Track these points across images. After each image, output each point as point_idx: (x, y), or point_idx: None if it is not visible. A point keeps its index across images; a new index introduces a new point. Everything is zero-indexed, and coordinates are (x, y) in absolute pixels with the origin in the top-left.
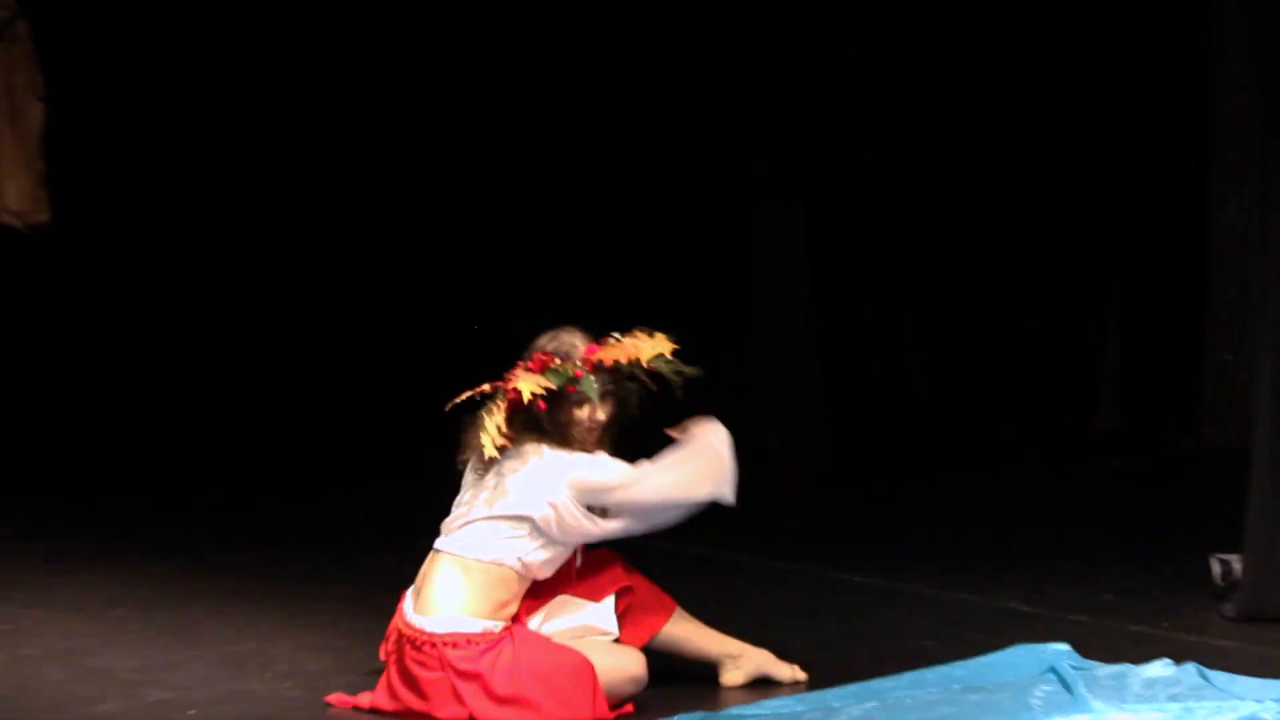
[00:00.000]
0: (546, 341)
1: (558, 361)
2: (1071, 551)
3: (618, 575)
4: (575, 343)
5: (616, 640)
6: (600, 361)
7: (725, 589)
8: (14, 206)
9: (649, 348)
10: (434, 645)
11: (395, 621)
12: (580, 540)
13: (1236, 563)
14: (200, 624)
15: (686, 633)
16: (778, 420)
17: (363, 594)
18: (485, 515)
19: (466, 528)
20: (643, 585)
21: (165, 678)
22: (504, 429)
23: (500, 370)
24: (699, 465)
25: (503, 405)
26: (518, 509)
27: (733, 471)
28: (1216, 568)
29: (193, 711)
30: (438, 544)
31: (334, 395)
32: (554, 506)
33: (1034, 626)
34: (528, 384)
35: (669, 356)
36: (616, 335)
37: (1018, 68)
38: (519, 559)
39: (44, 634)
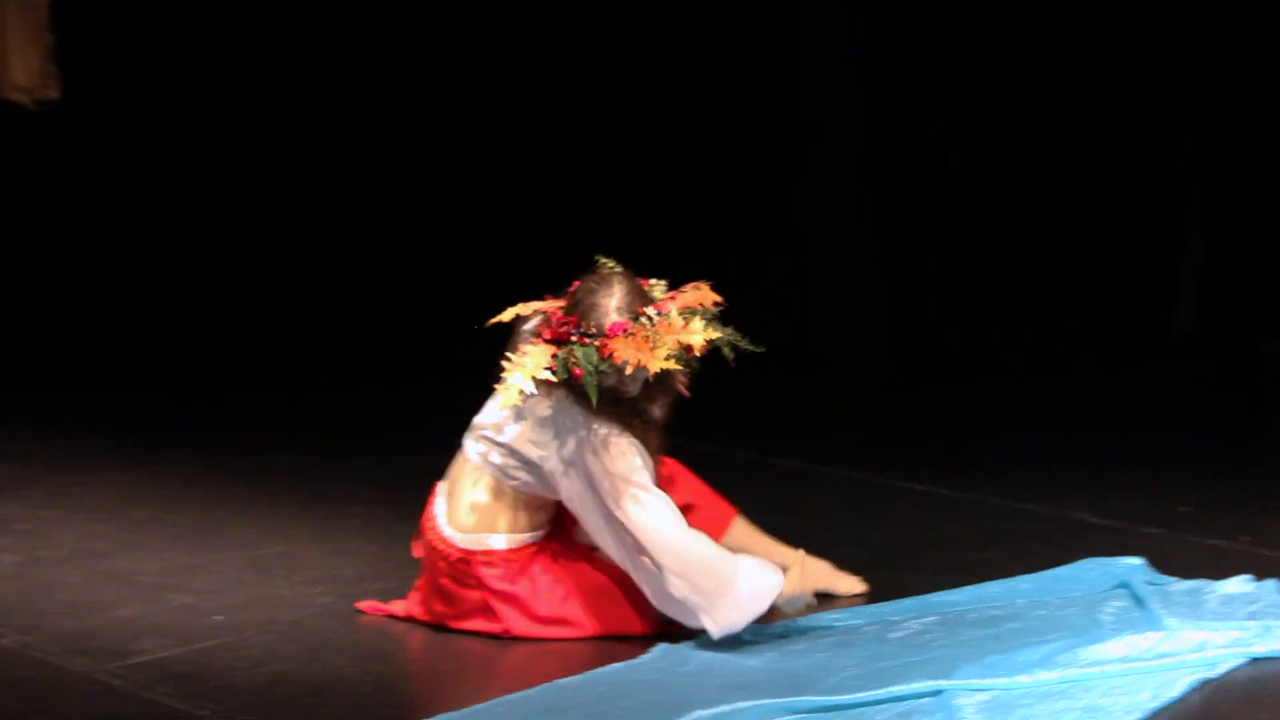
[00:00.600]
0: (581, 298)
1: (573, 339)
2: (1146, 461)
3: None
4: (608, 313)
5: None
6: (611, 354)
7: (779, 496)
8: (22, 82)
9: (663, 350)
10: (468, 563)
11: (427, 524)
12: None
13: None
14: (224, 526)
15: (745, 542)
16: (832, 322)
17: (393, 497)
18: (509, 443)
19: (492, 445)
20: (701, 493)
21: (189, 581)
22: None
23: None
24: (708, 569)
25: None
26: (535, 458)
27: (735, 613)
28: None
29: (219, 616)
30: (467, 447)
31: (359, 284)
32: (567, 470)
33: (1105, 539)
34: (523, 374)
35: (714, 332)
36: (650, 314)
37: None
38: (538, 492)
39: (61, 535)
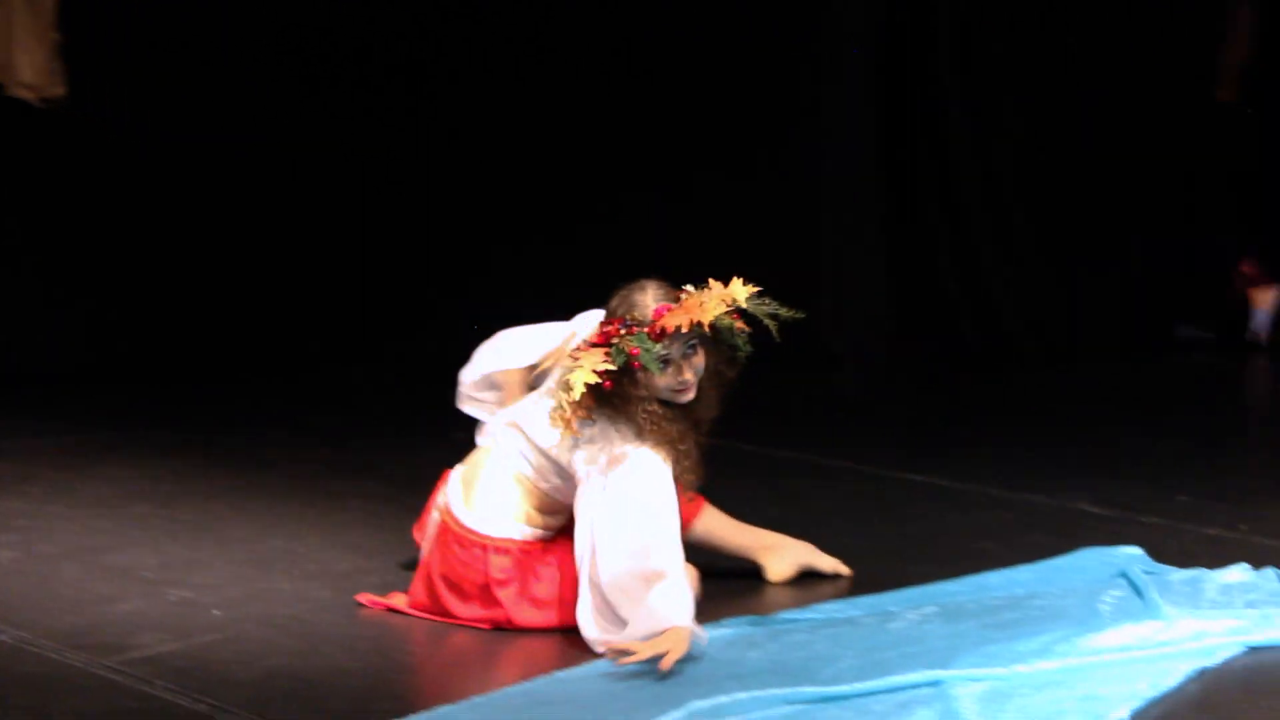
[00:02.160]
0: (618, 304)
1: (621, 333)
2: (1146, 451)
3: None
4: (648, 303)
5: None
6: (664, 329)
7: (779, 487)
8: (28, 80)
9: (714, 303)
10: (482, 549)
11: (437, 509)
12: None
13: None
14: (224, 521)
15: (717, 528)
16: (836, 313)
17: (392, 491)
18: (548, 449)
19: (527, 442)
20: None
21: (188, 576)
22: (579, 409)
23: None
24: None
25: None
26: (569, 465)
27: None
28: None
29: (217, 611)
30: (500, 439)
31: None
32: (599, 484)
33: (1104, 529)
34: (581, 374)
35: (754, 302)
36: (690, 288)
37: None
38: (564, 498)
39: (61, 531)
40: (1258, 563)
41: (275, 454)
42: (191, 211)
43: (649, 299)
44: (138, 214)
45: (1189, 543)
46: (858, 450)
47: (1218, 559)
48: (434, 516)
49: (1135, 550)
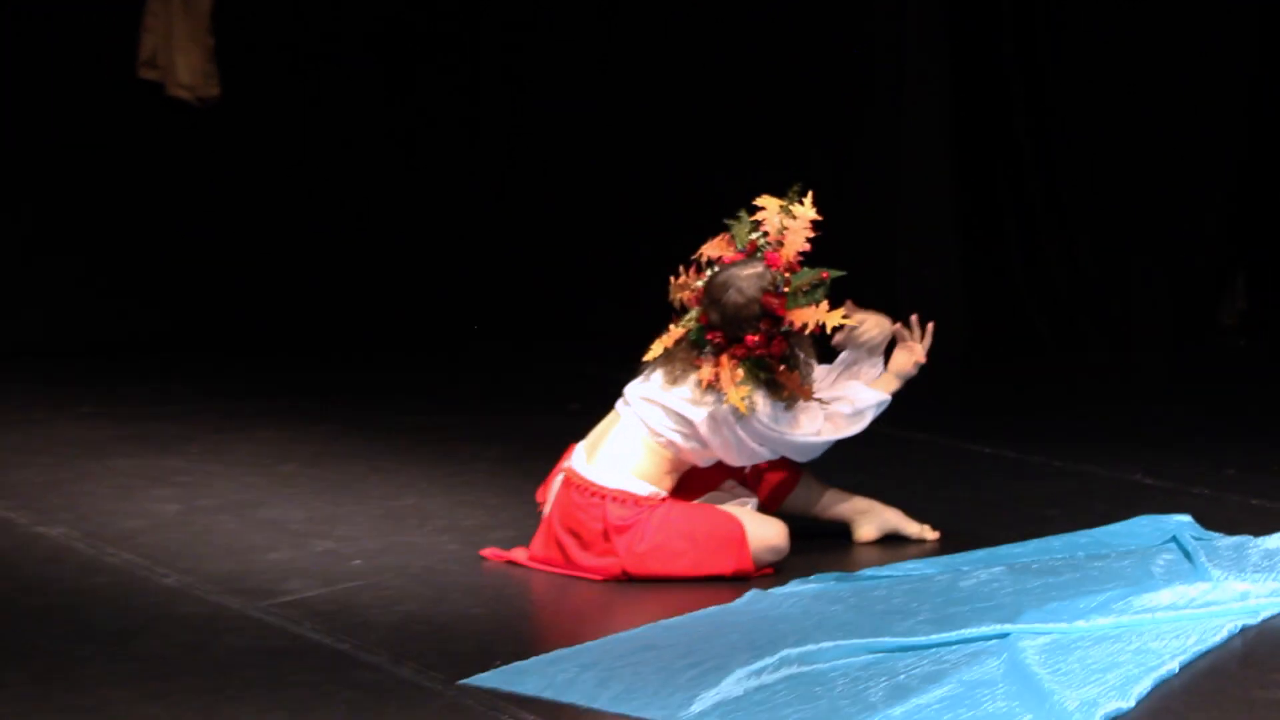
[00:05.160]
0: (729, 294)
1: (797, 282)
2: (1196, 427)
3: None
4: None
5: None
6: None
7: (856, 459)
8: (185, 81)
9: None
10: (601, 498)
11: (560, 470)
12: (724, 454)
13: None
14: (362, 480)
15: (816, 494)
16: (912, 293)
17: (514, 456)
18: (662, 402)
19: (647, 402)
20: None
21: (331, 529)
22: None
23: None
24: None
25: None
26: (686, 410)
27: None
28: None
29: (357, 561)
30: (621, 405)
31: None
32: (716, 423)
33: (1157, 498)
34: (821, 317)
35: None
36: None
37: None
38: (679, 449)
39: (218, 486)
40: None
41: (409, 420)
42: (334, 197)
43: (750, 282)
44: (281, 199)
45: (1235, 512)
46: (931, 424)
47: (1262, 527)
48: (558, 479)
49: (1185, 518)
